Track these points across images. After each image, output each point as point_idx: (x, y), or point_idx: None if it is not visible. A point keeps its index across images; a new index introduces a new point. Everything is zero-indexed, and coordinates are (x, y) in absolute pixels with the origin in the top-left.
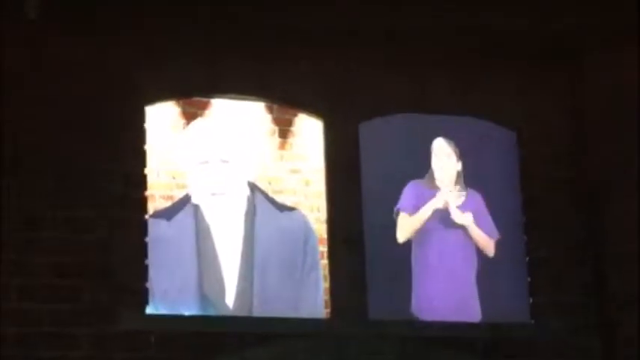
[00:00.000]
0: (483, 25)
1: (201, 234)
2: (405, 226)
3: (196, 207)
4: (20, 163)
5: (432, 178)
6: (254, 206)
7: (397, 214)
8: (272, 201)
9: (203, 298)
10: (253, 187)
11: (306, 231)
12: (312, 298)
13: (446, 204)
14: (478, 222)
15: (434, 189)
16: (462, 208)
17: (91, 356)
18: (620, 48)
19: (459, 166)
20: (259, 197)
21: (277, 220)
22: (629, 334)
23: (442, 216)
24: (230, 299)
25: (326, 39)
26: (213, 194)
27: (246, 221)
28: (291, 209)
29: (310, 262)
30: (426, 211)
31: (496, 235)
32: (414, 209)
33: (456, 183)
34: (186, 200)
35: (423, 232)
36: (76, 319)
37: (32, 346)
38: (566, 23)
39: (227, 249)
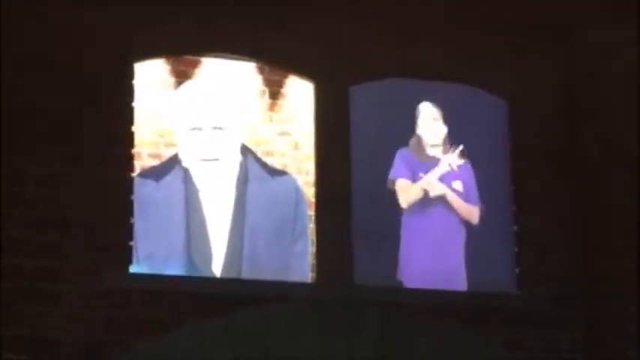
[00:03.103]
0: None
1: (191, 198)
2: (410, 193)
3: (186, 170)
4: (5, 117)
5: (419, 144)
6: (246, 171)
7: (394, 181)
8: (264, 165)
9: (189, 263)
10: (245, 151)
11: (297, 195)
12: (301, 263)
13: (450, 167)
14: (464, 189)
15: (422, 156)
16: (452, 175)
17: (73, 313)
18: (615, 24)
19: (445, 129)
20: (251, 161)
21: (269, 185)
22: (613, 308)
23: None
24: (217, 265)
25: (319, 1)
26: (205, 160)
27: (237, 186)
28: (283, 173)
29: (300, 227)
30: (432, 177)
31: (479, 203)
32: (413, 177)
33: (443, 147)
34: (175, 162)
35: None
36: (59, 276)
37: (14, 302)
38: None
39: (216, 214)
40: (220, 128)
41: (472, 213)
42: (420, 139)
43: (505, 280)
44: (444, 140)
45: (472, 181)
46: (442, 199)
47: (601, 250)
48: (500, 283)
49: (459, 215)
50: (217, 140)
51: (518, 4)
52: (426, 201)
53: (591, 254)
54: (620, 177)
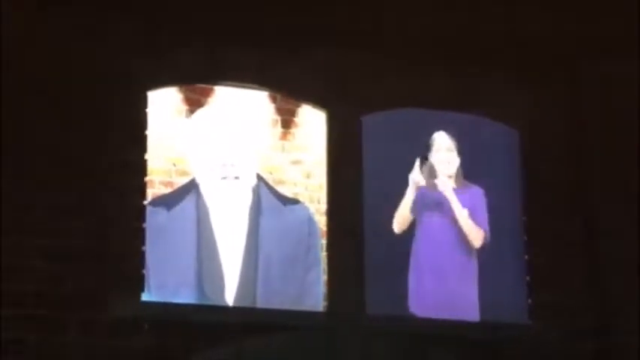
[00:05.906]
0: (486, 26)
1: (203, 226)
2: (397, 216)
3: (199, 198)
4: (17, 146)
5: (432, 174)
6: (259, 200)
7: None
8: (276, 193)
9: (201, 292)
10: (258, 179)
11: (310, 225)
12: (314, 292)
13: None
14: (473, 218)
15: (431, 185)
16: (460, 203)
17: (83, 342)
18: (620, 55)
19: (458, 161)
20: (264, 190)
21: (282, 214)
22: (625, 340)
23: (432, 203)
24: (230, 295)
25: (331, 31)
26: (222, 179)
27: (250, 214)
28: (295, 202)
29: (313, 256)
30: (408, 194)
31: (484, 227)
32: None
33: (456, 178)
34: (187, 190)
35: (417, 225)
36: (70, 304)
37: (23, 330)
38: (567, 30)
39: (229, 243)
40: (234, 165)
41: (476, 234)
42: (431, 168)
43: (517, 310)
44: (457, 171)
45: (483, 210)
46: (450, 218)
47: (613, 282)
48: (512, 313)
49: (464, 232)
50: (232, 170)
51: (528, 35)
52: (435, 228)
53: (603, 285)
54: (631, 205)
